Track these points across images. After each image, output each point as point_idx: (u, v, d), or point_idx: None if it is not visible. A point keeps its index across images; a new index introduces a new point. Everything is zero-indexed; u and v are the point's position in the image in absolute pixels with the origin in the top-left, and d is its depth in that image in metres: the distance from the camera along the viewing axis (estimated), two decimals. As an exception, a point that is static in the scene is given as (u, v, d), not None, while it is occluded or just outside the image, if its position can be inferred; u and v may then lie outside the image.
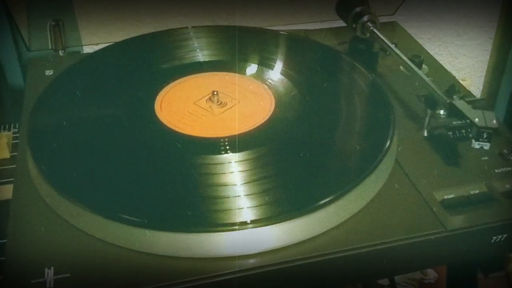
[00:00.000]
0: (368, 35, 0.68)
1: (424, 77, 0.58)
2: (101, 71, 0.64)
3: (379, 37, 0.65)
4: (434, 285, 0.83)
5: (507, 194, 0.50)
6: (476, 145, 0.49)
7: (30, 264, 0.43)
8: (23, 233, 0.46)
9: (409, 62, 0.60)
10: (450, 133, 0.57)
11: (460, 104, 0.52)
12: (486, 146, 0.49)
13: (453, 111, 0.52)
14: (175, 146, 0.53)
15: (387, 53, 0.69)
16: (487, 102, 0.58)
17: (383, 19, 0.74)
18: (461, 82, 0.67)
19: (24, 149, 0.53)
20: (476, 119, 0.50)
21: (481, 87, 1.08)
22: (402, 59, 0.61)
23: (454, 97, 0.59)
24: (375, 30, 0.67)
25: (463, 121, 0.58)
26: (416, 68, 0.59)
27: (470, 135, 0.51)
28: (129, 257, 0.43)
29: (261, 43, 0.71)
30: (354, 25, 0.69)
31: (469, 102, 0.53)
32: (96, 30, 0.76)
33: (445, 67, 0.70)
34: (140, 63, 0.66)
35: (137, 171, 0.50)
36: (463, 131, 0.57)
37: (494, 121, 0.49)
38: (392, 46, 0.63)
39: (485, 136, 0.49)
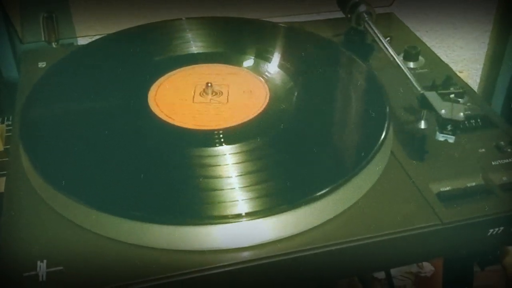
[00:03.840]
0: (362, 26, 0.68)
1: (404, 68, 0.57)
2: (94, 63, 0.63)
3: (372, 29, 0.65)
4: (430, 278, 0.83)
5: (504, 186, 0.50)
6: (440, 137, 0.49)
7: (23, 257, 0.43)
8: (15, 226, 0.45)
9: (392, 53, 0.60)
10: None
11: (431, 95, 0.51)
12: (451, 139, 0.49)
13: (425, 103, 0.52)
14: (169, 138, 0.53)
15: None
16: (470, 92, 0.57)
17: (379, 10, 0.73)
18: (458, 74, 0.67)
19: (17, 141, 0.53)
20: (443, 111, 0.49)
21: (478, 80, 1.08)
22: (388, 51, 0.60)
23: (451, 88, 0.59)
24: (368, 22, 0.66)
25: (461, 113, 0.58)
26: (399, 61, 0.59)
27: (436, 127, 0.50)
28: (123, 250, 0.43)
29: (256, 34, 0.70)
30: (349, 15, 0.69)
31: (445, 94, 0.52)
32: (90, 22, 0.75)
33: (442, 59, 0.70)
34: (134, 54, 0.65)
35: (130, 164, 0.49)
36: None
37: (461, 114, 0.49)
38: (381, 38, 0.62)
39: (449, 128, 0.49)
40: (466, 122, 0.57)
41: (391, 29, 0.76)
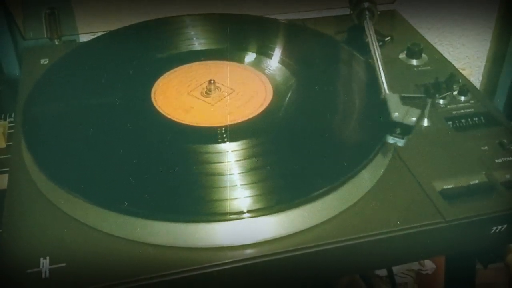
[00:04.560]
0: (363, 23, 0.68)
1: (381, 68, 0.57)
2: (96, 60, 0.63)
3: (368, 28, 0.64)
4: (432, 276, 0.83)
5: (507, 184, 0.50)
6: (390, 139, 0.49)
7: (26, 254, 0.43)
8: (18, 223, 0.45)
9: (377, 53, 0.59)
10: (450, 122, 0.57)
11: (391, 97, 0.52)
12: (400, 142, 0.48)
13: (385, 104, 0.52)
14: (171, 135, 0.53)
15: (381, 43, 0.69)
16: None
17: (382, 8, 0.73)
18: (461, 71, 0.67)
19: (19, 138, 0.53)
20: (396, 114, 0.49)
21: (480, 77, 1.08)
22: (375, 51, 0.60)
23: (454, 86, 0.59)
24: (368, 20, 0.66)
25: (463, 111, 0.58)
26: (379, 62, 0.58)
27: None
28: (125, 247, 0.43)
29: (259, 31, 0.70)
30: (351, 11, 0.68)
31: (409, 98, 0.52)
32: (92, 19, 0.75)
33: (445, 56, 0.70)
34: (136, 51, 0.65)
35: (133, 160, 0.49)
36: (463, 120, 0.57)
37: (413, 119, 0.49)
38: (373, 38, 0.62)
39: (398, 131, 0.49)
40: (469, 119, 0.57)
41: (394, 27, 0.76)
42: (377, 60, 0.58)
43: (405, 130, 0.48)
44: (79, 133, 0.52)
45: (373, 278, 0.78)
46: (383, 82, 0.55)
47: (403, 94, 0.52)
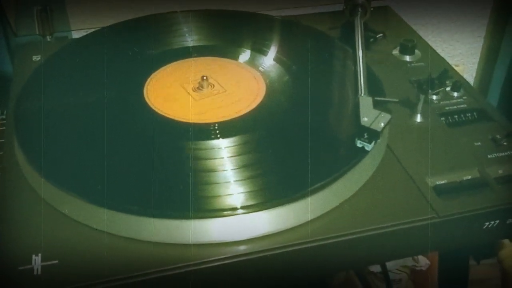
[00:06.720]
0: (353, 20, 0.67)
1: (362, 70, 0.57)
2: (89, 56, 0.63)
3: (359, 25, 0.64)
4: (425, 272, 0.83)
5: (500, 179, 0.50)
6: (358, 143, 0.49)
7: (17, 251, 0.42)
8: (10, 219, 0.45)
9: (361, 55, 0.59)
10: (443, 118, 0.57)
11: (364, 100, 0.52)
12: (368, 147, 0.49)
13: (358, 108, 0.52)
14: (164, 132, 0.53)
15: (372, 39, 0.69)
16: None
17: (376, 3, 0.73)
18: (454, 68, 0.67)
19: (11, 135, 0.53)
20: (365, 119, 0.49)
21: (474, 74, 1.08)
22: (359, 50, 0.60)
23: (447, 82, 0.59)
24: (359, 17, 0.66)
25: (456, 107, 0.58)
26: (361, 62, 0.58)
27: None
28: (118, 244, 0.43)
29: (252, 27, 0.70)
30: (345, 7, 0.68)
31: (382, 102, 0.53)
32: (84, 15, 0.75)
33: (438, 53, 0.70)
34: (129, 48, 0.65)
35: (125, 157, 0.49)
36: (456, 116, 0.57)
37: (382, 124, 0.49)
38: (360, 36, 0.62)
39: (365, 136, 0.49)
40: (462, 115, 0.57)
41: (387, 23, 0.76)
42: (359, 60, 0.58)
43: (372, 135, 0.49)
44: (72, 130, 0.52)
45: (367, 275, 0.78)
46: (361, 84, 0.55)
47: (376, 98, 0.53)
